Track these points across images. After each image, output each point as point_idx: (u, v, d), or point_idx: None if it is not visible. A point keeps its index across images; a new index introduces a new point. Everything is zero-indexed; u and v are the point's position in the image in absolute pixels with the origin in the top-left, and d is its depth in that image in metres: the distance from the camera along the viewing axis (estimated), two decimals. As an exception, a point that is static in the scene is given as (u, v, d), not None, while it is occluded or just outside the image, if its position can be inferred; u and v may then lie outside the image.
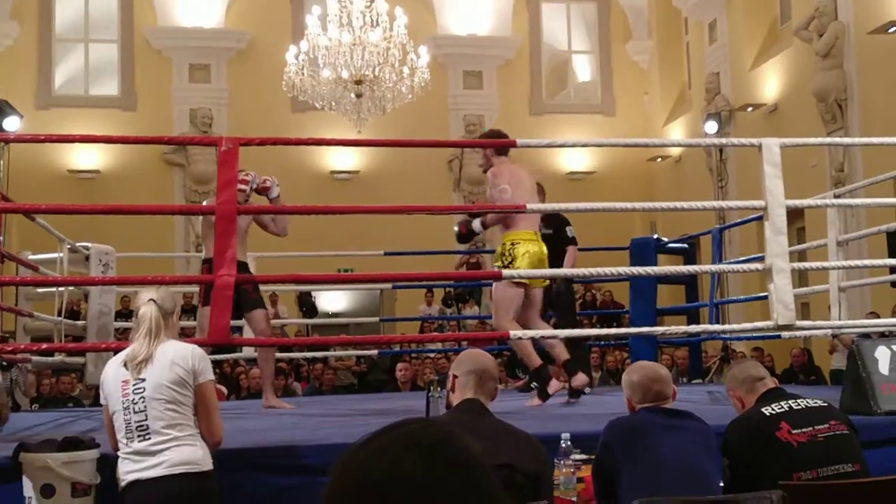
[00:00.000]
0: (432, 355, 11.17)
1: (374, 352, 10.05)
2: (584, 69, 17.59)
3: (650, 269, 5.76)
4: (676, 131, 16.12)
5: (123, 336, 9.99)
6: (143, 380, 3.16)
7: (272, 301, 13.10)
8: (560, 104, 17.04)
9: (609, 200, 6.84)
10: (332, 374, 11.13)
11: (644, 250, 8.57)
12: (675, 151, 15.98)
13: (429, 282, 11.01)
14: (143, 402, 3.16)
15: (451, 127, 16.22)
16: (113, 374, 3.23)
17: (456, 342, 8.65)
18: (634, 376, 3.39)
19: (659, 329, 6.12)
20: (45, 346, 5.00)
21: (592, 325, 12.80)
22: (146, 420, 3.15)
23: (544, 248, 5.93)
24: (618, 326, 12.77)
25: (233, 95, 15.51)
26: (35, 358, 6.72)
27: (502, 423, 2.98)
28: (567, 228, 7.35)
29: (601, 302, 13.98)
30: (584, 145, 5.23)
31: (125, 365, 3.21)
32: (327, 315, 16.14)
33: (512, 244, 5.90)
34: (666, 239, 9.36)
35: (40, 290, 7.57)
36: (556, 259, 6.91)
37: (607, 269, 5.28)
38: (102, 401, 3.28)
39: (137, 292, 3.43)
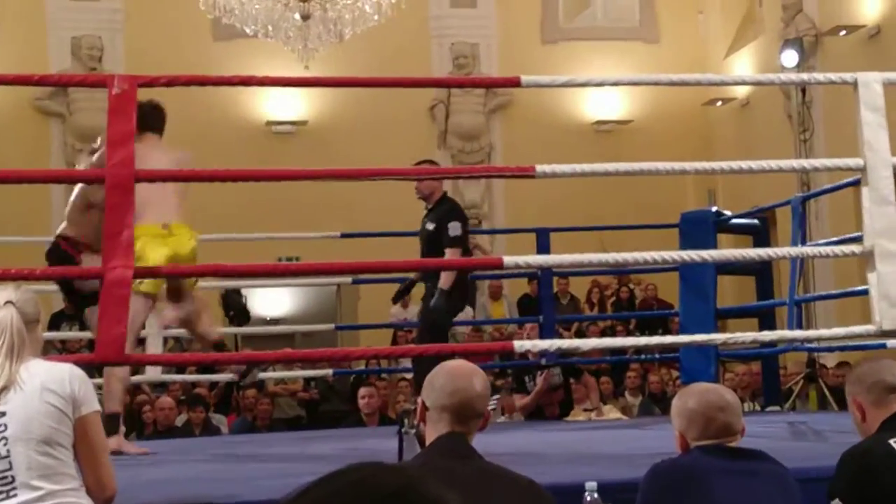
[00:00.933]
0: (408, 376, 11.18)
1: (329, 371, 10.04)
2: (615, -21, 17.57)
3: (708, 254, 5.72)
4: (742, 64, 16.11)
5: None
6: (3, 413, 3.13)
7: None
8: (583, 27, 17.00)
9: (651, 159, 6.81)
10: (269, 403, 11.14)
11: (699, 228, 8.58)
12: (742, 91, 15.97)
13: (402, 273, 10.93)
14: (4, 444, 3.12)
15: (434, 60, 16.19)
16: None
17: (438, 356, 8.61)
18: (690, 402, 3.37)
19: (720, 337, 6.12)
20: None
21: (630, 332, 12.83)
22: (10, 470, 3.11)
23: (183, 247, 6.04)
24: (664, 333, 12.78)
25: (131, 19, 15.41)
26: None
27: (494, 467, 2.97)
28: (450, 224, 7.57)
29: (641, 300, 14.03)
30: (616, 83, 5.23)
31: None
32: (264, 322, 16.13)
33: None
34: (729, 212, 9.36)
35: None
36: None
37: (648, 255, 5.28)
38: None
39: None
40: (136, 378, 9.06)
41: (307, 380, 11.72)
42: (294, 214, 13.79)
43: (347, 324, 14.23)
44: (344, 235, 10.06)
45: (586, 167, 5.40)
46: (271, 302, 16.71)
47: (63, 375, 3.21)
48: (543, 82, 5.34)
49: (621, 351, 11.18)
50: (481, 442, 3.04)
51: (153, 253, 5.85)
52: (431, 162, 7.61)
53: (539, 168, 5.20)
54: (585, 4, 17.34)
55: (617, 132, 16.43)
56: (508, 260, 5.31)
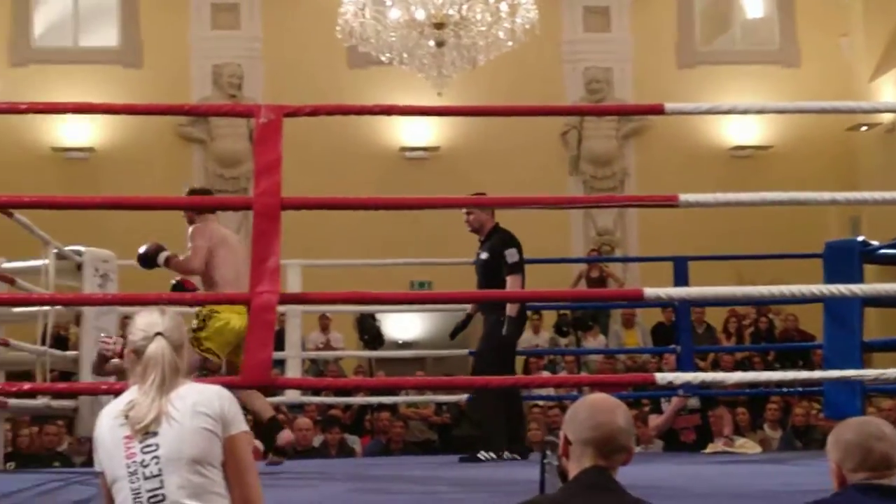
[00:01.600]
0: (541, 403, 11.17)
1: (463, 397, 10.07)
2: (754, 2, 17.36)
3: (858, 288, 5.58)
4: (889, 88, 15.77)
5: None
6: (155, 434, 3.19)
7: (322, 326, 13.27)
8: (720, 51, 16.83)
9: (791, 186, 6.70)
10: (402, 426, 11.22)
11: (845, 259, 8.38)
12: (887, 117, 15.64)
13: (537, 302, 10.94)
14: (156, 464, 3.18)
15: (567, 85, 16.16)
16: (110, 430, 3.25)
17: (576, 387, 8.64)
18: (848, 434, 3.29)
19: (870, 373, 5.97)
20: (26, 386, 5.11)
21: (768, 365, 12.60)
22: (161, 489, 3.17)
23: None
24: (805, 365, 12.54)
25: (269, 46, 15.72)
26: (12, 401, 6.93)
27: (636, 501, 2.95)
28: (507, 252, 7.65)
29: (781, 331, 13.76)
30: (761, 111, 5.17)
31: (125, 413, 3.24)
32: (396, 345, 16.24)
33: (210, 311, 6.58)
34: (876, 242, 9.15)
35: (18, 309, 7.79)
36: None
37: (795, 289, 5.18)
38: (97, 466, 3.30)
39: (133, 317, 3.46)
40: (275, 399, 9.23)
41: (439, 404, 11.77)
42: (426, 239, 13.88)
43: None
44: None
45: (731, 197, 5.33)
46: (403, 326, 16.81)
47: (212, 396, 3.28)
48: (687, 109, 5.32)
49: (760, 382, 10.99)
50: (619, 473, 3.02)
51: (238, 323, 6.28)
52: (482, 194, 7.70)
53: (682, 197, 5.16)
54: (724, 28, 17.17)
55: (755, 158, 16.19)
56: (649, 292, 5.24)
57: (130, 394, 3.28)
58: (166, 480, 3.16)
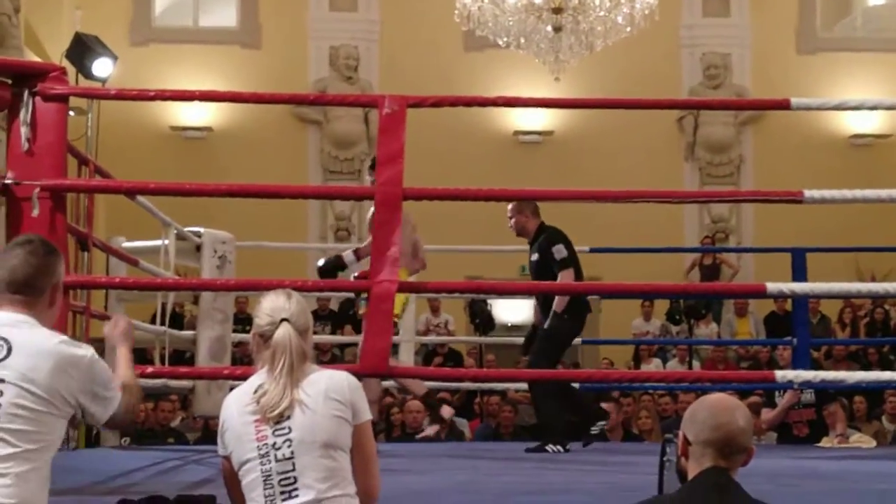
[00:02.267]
0: (651, 392, 11.08)
1: (575, 386, 10.05)
2: (876, -13, 17.00)
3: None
4: None
5: (239, 350, 10.42)
6: (288, 417, 3.21)
7: (432, 309, 13.34)
8: (841, 37, 16.50)
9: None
10: (511, 410, 11.23)
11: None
12: None
13: (650, 294, 10.87)
14: (288, 446, 3.20)
15: (685, 70, 16.02)
16: (240, 415, 3.27)
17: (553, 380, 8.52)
18: None
19: None
20: (149, 370, 5.22)
21: (884, 356, 12.36)
22: (293, 471, 3.19)
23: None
24: (923, 360, 12.32)
25: (386, 29, 15.81)
26: (130, 379, 7.06)
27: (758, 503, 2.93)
28: (554, 248, 7.44)
29: (897, 323, 13.51)
30: (892, 108, 5.04)
31: (254, 396, 3.26)
32: (506, 328, 16.24)
33: None
34: None
35: (138, 289, 7.95)
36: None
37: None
38: (221, 449, 3.33)
39: (260, 300, 3.45)
40: (386, 383, 9.30)
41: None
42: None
43: (589, 336, 14.18)
44: (592, 251, 10.02)
45: (857, 193, 5.22)
46: (513, 309, 16.81)
47: (343, 384, 3.29)
48: (814, 105, 5.23)
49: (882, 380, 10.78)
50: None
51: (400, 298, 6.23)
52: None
53: (807, 193, 5.08)
54: (845, 12, 16.81)
55: (875, 146, 15.88)
56: (771, 287, 5.18)
57: (259, 378, 3.31)
58: (298, 463, 3.18)
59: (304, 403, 3.23)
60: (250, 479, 3.22)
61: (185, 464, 6.36)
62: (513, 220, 7.61)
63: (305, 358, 3.31)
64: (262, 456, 3.19)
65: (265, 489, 3.18)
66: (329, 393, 3.25)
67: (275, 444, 3.19)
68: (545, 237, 7.52)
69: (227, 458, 3.31)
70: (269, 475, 3.18)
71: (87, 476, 5.07)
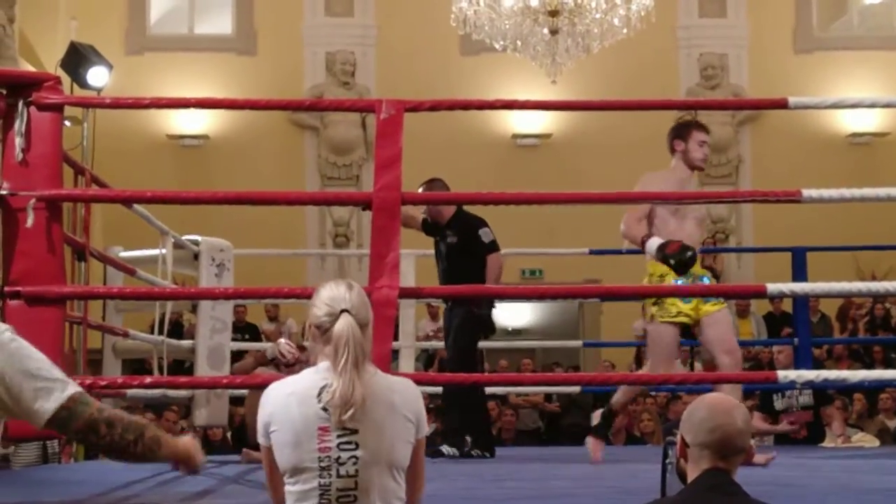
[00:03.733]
0: (653, 394, 11.08)
1: (577, 388, 10.05)
2: (873, -14, 17.00)
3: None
4: None
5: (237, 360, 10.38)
6: (356, 431, 3.01)
7: (431, 314, 13.31)
8: (838, 36, 16.49)
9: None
10: (513, 415, 11.24)
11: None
12: None
13: (650, 296, 10.80)
14: (353, 464, 3.01)
15: (682, 71, 16.00)
16: (303, 416, 3.03)
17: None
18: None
19: None
20: (148, 380, 5.20)
21: (886, 356, 12.35)
22: (355, 489, 3.01)
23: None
24: (924, 357, 12.31)
25: (383, 33, 15.79)
26: (128, 391, 7.05)
27: (758, 504, 2.92)
28: (481, 231, 7.31)
29: (899, 320, 13.50)
30: (889, 105, 5.04)
31: (319, 398, 3.02)
32: (506, 332, 16.24)
33: (661, 277, 6.43)
34: None
35: (136, 299, 7.93)
36: (467, 275, 7.00)
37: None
38: (264, 440, 3.09)
39: (318, 291, 3.20)
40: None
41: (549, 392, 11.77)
42: (536, 226, 13.85)
43: (590, 338, 14.20)
44: (592, 252, 10.02)
45: (855, 192, 5.21)
46: (514, 314, 16.83)
47: (413, 397, 3.12)
48: (811, 104, 5.21)
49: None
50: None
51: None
52: (438, 180, 7.25)
53: (805, 193, 5.07)
54: (841, 11, 16.81)
55: (873, 145, 15.87)
56: (772, 288, 5.18)
57: (317, 374, 3.09)
58: (361, 483, 3.01)
59: (372, 416, 3.03)
60: (304, 488, 3.03)
61: (185, 475, 6.32)
62: (432, 208, 7.41)
63: (366, 354, 3.08)
64: (324, 469, 3.00)
65: (321, 502, 3.01)
66: (401, 409, 3.06)
67: (339, 458, 3.00)
68: (465, 220, 7.35)
69: (271, 461, 3.09)
70: (328, 489, 3.00)
71: (87, 488, 5.05)
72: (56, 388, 2.73)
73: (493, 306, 7.60)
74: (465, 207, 7.44)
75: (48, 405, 2.70)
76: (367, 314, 3.16)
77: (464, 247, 7.29)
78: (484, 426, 7.70)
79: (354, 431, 3.01)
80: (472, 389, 7.22)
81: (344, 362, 3.02)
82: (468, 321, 7.35)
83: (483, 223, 7.36)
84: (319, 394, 3.03)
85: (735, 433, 2.95)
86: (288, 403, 3.06)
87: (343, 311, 3.08)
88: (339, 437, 3.00)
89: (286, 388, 3.11)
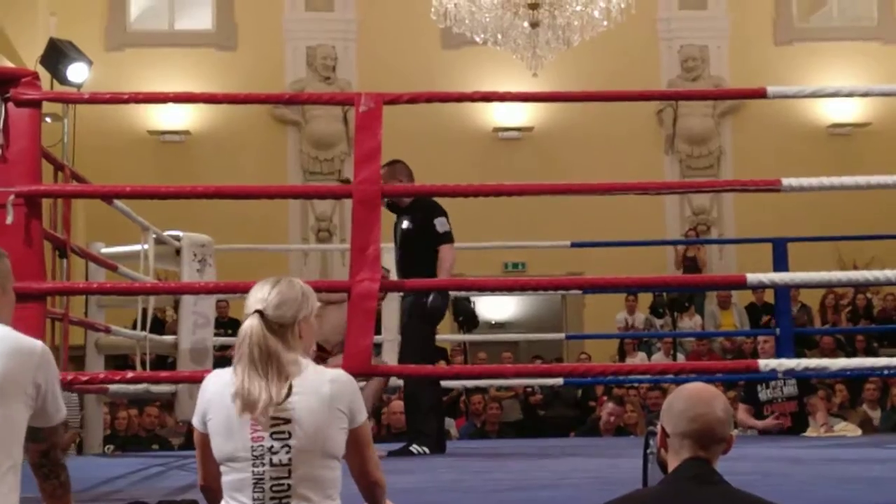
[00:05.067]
0: (636, 385, 11.10)
1: (559, 381, 10.09)
2: (852, -23, 17.04)
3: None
4: None
5: (222, 353, 10.39)
6: (288, 421, 3.09)
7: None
8: (818, 27, 16.54)
9: (891, 163, 6.57)
10: (497, 408, 11.24)
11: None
12: None
13: (631, 287, 10.86)
14: (287, 453, 3.08)
15: (663, 63, 16.01)
16: (231, 403, 3.11)
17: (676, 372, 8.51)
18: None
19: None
20: (129, 375, 5.19)
21: (868, 346, 12.41)
22: (288, 478, 3.08)
23: None
24: (905, 346, 12.37)
25: (363, 28, 15.78)
26: (111, 386, 7.04)
27: (741, 493, 2.90)
28: (437, 220, 7.07)
29: (880, 310, 13.54)
30: (867, 94, 5.06)
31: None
32: (489, 326, 16.26)
33: None
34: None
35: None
36: (419, 264, 6.85)
37: (894, 273, 5.05)
38: (200, 425, 3.19)
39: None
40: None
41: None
42: (519, 219, 13.87)
43: (573, 331, 14.25)
44: (574, 245, 10.05)
45: (834, 180, 5.23)
46: (497, 307, 16.84)
47: (345, 387, 3.19)
48: (790, 93, 5.23)
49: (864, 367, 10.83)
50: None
51: None
52: (399, 162, 6.98)
53: (785, 182, 5.08)
54: (821, 3, 16.86)
55: (854, 135, 15.91)
56: (752, 278, 5.18)
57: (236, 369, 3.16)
58: (295, 472, 3.08)
59: (305, 408, 3.10)
60: (237, 478, 3.10)
61: (168, 469, 6.32)
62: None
63: (275, 353, 3.13)
64: (257, 458, 3.07)
65: (255, 492, 3.07)
66: (334, 402, 3.14)
67: (272, 447, 3.07)
68: (424, 207, 7.11)
69: (205, 452, 3.19)
70: (262, 479, 3.07)
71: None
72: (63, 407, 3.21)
73: (450, 298, 7.42)
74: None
75: (60, 415, 3.18)
76: (289, 312, 3.21)
77: (417, 234, 7.06)
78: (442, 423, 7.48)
79: (287, 421, 3.08)
80: (427, 384, 7.01)
81: (238, 358, 3.13)
82: (416, 311, 7.07)
83: (441, 212, 7.11)
84: (234, 388, 3.11)
85: (715, 422, 2.93)
86: (224, 393, 3.13)
87: (256, 311, 3.17)
88: (271, 426, 3.07)
89: (225, 377, 3.18)
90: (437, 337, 12.18)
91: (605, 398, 10.94)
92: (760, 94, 5.21)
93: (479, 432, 10.72)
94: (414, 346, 7.06)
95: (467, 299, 11.74)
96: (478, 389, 11.08)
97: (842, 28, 16.53)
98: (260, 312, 3.18)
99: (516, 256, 14.80)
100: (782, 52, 16.05)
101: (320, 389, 3.15)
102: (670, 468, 3.01)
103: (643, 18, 14.05)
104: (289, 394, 3.11)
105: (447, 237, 7.05)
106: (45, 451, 3.23)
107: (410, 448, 6.94)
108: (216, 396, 3.16)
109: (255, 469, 3.07)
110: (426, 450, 6.91)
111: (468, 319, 11.92)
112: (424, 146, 14.52)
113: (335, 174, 15.12)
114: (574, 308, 15.37)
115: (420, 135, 14.26)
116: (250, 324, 3.16)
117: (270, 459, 3.07)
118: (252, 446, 3.08)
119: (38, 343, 3.16)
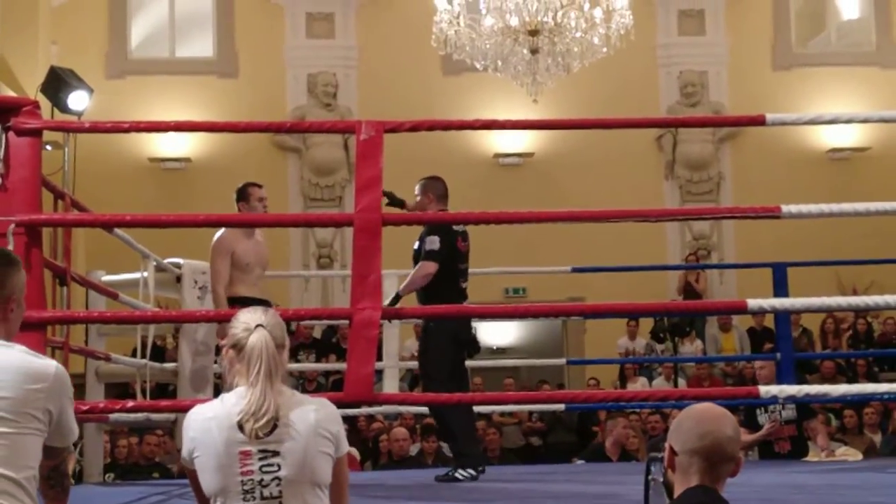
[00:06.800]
0: (638, 411, 11.07)
1: (561, 406, 10.07)
2: (849, 3, 17.07)
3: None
4: None
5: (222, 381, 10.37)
6: (277, 453, 3.08)
7: (417, 334, 13.29)
8: (816, 53, 16.58)
9: (890, 188, 6.57)
10: (498, 434, 11.22)
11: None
12: None
13: (632, 312, 10.84)
14: (277, 485, 3.07)
15: (662, 89, 16.04)
16: (225, 441, 3.09)
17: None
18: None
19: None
20: (130, 404, 5.17)
21: (869, 370, 12.37)
22: None
23: None
24: (905, 370, 12.35)
25: (364, 55, 15.80)
26: (111, 415, 7.02)
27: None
28: (428, 238, 7.05)
29: (880, 334, 13.51)
30: (866, 121, 5.07)
31: (240, 426, 3.08)
32: (490, 351, 16.23)
33: None
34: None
35: (119, 322, 7.90)
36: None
37: (894, 299, 5.03)
38: (187, 456, 3.19)
39: (234, 318, 3.31)
40: (372, 409, 9.26)
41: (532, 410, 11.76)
42: (519, 244, 13.85)
43: (575, 356, 14.22)
44: (575, 270, 10.02)
45: (834, 207, 5.22)
46: (498, 332, 16.81)
47: (332, 417, 3.19)
48: (789, 120, 5.22)
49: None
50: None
51: None
52: (436, 178, 7.28)
53: (785, 209, 5.08)
54: (819, 28, 16.91)
55: (853, 160, 15.92)
56: (752, 303, 5.17)
57: (237, 397, 3.14)
58: (285, 503, 3.08)
59: (293, 437, 3.09)
60: None
61: (168, 498, 6.30)
62: (417, 199, 7.28)
63: (280, 369, 3.18)
64: (247, 492, 3.07)
65: None
66: (319, 429, 3.13)
67: (262, 480, 3.06)
68: (427, 228, 7.10)
69: (193, 470, 3.18)
70: None
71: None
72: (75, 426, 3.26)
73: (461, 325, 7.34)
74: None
75: (73, 434, 3.23)
76: (283, 336, 3.26)
77: (417, 256, 7.13)
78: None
79: (276, 454, 3.08)
80: (458, 408, 6.98)
81: (256, 372, 3.12)
82: (438, 337, 7.14)
83: (435, 230, 7.05)
84: (240, 418, 3.10)
85: (725, 440, 2.92)
86: (209, 428, 3.12)
87: (258, 325, 3.19)
88: (260, 459, 3.07)
89: (207, 413, 3.17)
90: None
91: (604, 425, 10.90)
92: (760, 121, 5.21)
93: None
94: (425, 371, 7.17)
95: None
96: (480, 416, 11.05)
97: (840, 53, 16.57)
98: (262, 326, 3.20)
99: (517, 282, 14.79)
100: (781, 77, 16.08)
101: (306, 417, 3.15)
102: (677, 491, 2.99)
103: (642, 45, 14.07)
104: (275, 425, 3.10)
105: (430, 255, 7.01)
106: (57, 465, 3.27)
107: (455, 474, 6.87)
108: (200, 434, 3.14)
109: (246, 503, 3.06)
110: (471, 472, 6.82)
111: (470, 345, 11.90)
112: (425, 172, 14.41)
113: (336, 201, 15.13)
114: (575, 333, 15.35)
115: (421, 161, 14.16)
116: (261, 337, 3.17)
117: (261, 493, 3.07)
118: (242, 480, 3.07)
119: (52, 365, 3.15)
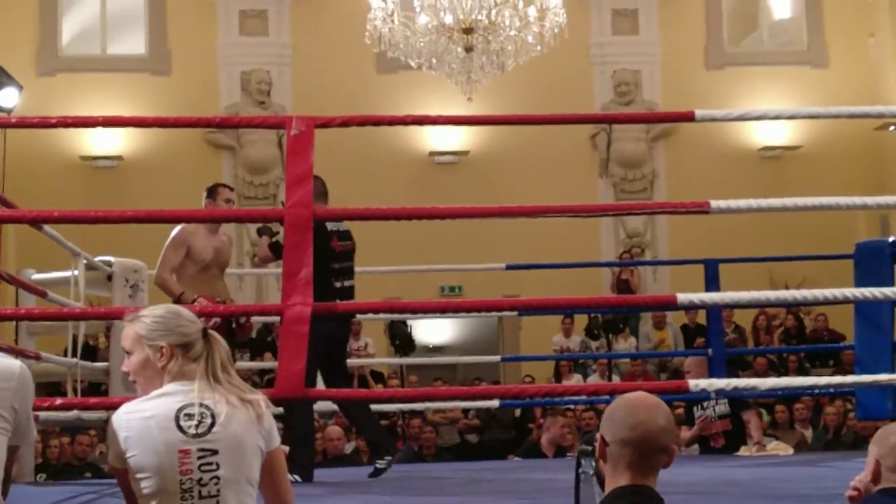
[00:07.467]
0: (572, 406, 11.14)
1: (495, 403, 10.09)
2: (781, 3, 17.28)
3: (886, 291, 5.51)
4: (917, 87, 15.65)
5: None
6: (216, 452, 3.06)
7: (354, 332, 13.29)
8: (749, 52, 16.77)
9: (820, 186, 6.67)
10: (433, 432, 11.24)
11: (875, 260, 8.29)
12: (916, 116, 15.50)
13: (564, 308, 10.90)
14: (216, 484, 3.05)
15: (596, 87, 16.14)
16: (163, 438, 3.05)
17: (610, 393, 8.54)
18: (893, 439, 3.25)
19: (902, 376, 5.92)
20: (58, 401, 5.13)
21: (800, 365, 12.54)
22: None
23: None
24: (835, 365, 12.49)
25: (298, 52, 15.76)
26: (43, 413, 6.94)
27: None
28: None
29: (811, 331, 13.71)
30: (793, 117, 5.15)
31: (178, 421, 3.05)
32: (426, 350, 16.25)
33: None
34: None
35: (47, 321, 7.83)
36: None
37: (828, 292, 5.17)
38: (117, 461, 3.10)
39: (168, 314, 3.27)
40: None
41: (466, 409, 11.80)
42: (455, 242, 13.89)
43: (510, 354, 14.28)
44: (510, 267, 10.07)
45: (762, 202, 5.30)
46: (434, 331, 16.83)
47: (262, 412, 3.17)
48: (718, 116, 5.29)
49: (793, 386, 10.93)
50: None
51: None
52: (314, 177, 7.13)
53: (714, 204, 5.15)
54: (751, 28, 17.10)
55: (784, 158, 16.11)
56: (682, 298, 5.23)
57: (173, 395, 3.10)
58: (222, 502, 3.05)
59: (230, 436, 3.09)
60: None
61: (99, 497, 6.25)
62: None
63: (228, 367, 3.19)
64: (185, 491, 3.03)
65: None
66: (251, 424, 3.12)
67: (201, 479, 3.03)
68: None
69: (123, 470, 3.10)
70: None
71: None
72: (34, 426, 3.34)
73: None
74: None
75: (32, 434, 3.31)
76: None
77: None
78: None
79: (214, 452, 3.06)
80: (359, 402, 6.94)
81: (204, 370, 3.15)
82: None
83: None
84: (178, 417, 3.07)
85: (657, 430, 2.84)
86: (147, 427, 3.07)
87: (204, 327, 3.22)
88: (199, 458, 3.05)
89: (144, 412, 3.12)
90: (375, 360, 12.13)
91: (541, 420, 10.95)
92: (689, 117, 5.28)
93: (416, 456, 10.69)
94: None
95: (403, 323, 11.74)
96: (415, 413, 11.07)
97: (772, 53, 16.77)
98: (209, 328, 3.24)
99: (453, 280, 14.82)
100: (714, 76, 16.26)
101: (242, 415, 3.13)
102: (607, 482, 2.93)
103: (576, 43, 14.17)
104: (213, 424, 3.09)
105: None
106: (8, 466, 3.26)
107: (377, 465, 6.84)
108: (137, 433, 3.07)
109: (184, 503, 3.03)
110: (388, 459, 6.79)
111: (404, 343, 11.91)
112: (360, 170, 14.54)
113: (270, 199, 15.08)
114: (510, 331, 15.40)
115: (356, 159, 14.27)
116: (211, 335, 3.20)
117: (199, 492, 3.04)
118: (181, 479, 3.03)
119: (16, 364, 3.17)
